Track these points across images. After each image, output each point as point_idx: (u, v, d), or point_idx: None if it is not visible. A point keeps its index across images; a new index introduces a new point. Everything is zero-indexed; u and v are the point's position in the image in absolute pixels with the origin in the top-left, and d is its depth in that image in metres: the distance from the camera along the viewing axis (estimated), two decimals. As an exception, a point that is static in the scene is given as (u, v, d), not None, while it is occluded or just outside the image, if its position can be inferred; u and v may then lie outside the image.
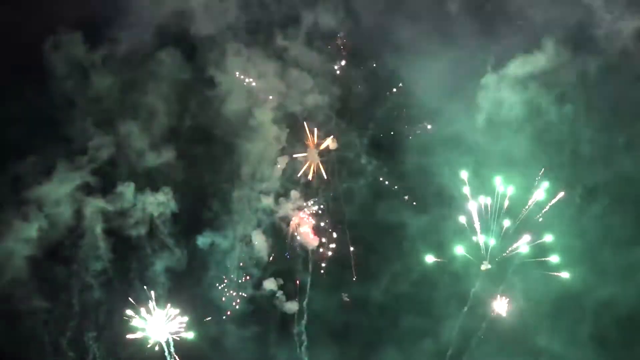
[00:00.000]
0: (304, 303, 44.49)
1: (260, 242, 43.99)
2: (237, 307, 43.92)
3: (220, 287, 43.66)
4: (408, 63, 44.53)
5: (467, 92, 44.00)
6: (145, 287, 41.56)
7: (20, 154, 40.60)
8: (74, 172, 41.43)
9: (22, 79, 41.15)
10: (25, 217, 40.37)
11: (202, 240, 43.39)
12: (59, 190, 40.96)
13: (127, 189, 42.42)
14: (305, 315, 44.41)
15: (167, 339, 41.07)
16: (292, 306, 44.28)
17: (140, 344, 40.72)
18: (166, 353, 41.52)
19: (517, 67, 43.05)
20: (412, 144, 45.45)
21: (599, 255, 45.16)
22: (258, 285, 44.19)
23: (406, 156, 45.22)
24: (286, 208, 44.51)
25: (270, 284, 44.01)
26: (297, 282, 45.20)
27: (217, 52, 43.44)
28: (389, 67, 45.43)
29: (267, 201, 44.43)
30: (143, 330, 40.16)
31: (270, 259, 44.66)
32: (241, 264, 43.78)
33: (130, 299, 40.67)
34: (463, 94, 44.20)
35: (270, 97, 44.03)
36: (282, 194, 44.77)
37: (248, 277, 44.14)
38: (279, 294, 44.29)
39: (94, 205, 41.76)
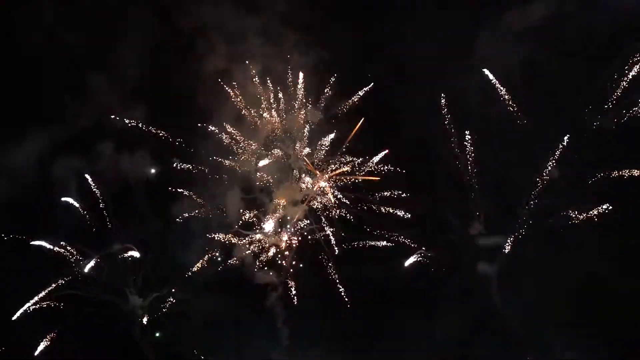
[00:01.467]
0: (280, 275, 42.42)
1: (233, 207, 41.88)
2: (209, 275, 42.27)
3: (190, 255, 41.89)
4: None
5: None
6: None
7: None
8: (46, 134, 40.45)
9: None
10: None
11: (176, 209, 41.66)
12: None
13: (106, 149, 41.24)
14: (279, 288, 42.45)
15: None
16: (264, 276, 42.32)
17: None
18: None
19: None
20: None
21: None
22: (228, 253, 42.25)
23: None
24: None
25: (240, 252, 41.96)
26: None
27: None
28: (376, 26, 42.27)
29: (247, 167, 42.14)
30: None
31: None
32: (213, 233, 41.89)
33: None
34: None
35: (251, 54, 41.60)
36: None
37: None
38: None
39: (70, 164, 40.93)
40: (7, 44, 40.79)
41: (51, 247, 39.98)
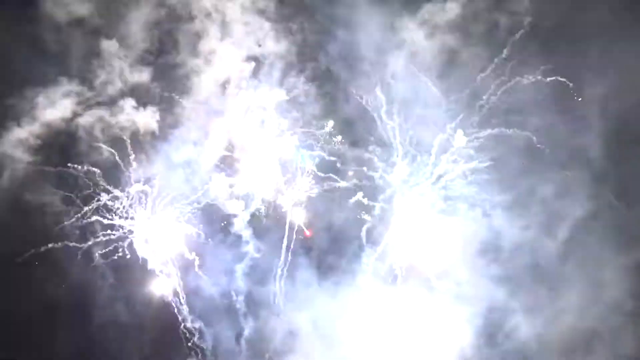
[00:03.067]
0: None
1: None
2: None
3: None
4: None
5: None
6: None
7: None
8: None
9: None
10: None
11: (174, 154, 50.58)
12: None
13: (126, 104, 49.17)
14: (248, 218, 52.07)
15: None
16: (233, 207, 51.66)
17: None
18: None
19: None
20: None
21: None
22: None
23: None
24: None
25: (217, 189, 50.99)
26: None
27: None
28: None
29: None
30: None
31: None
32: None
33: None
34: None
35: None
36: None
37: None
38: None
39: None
40: (35, 15, 46.11)
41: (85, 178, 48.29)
